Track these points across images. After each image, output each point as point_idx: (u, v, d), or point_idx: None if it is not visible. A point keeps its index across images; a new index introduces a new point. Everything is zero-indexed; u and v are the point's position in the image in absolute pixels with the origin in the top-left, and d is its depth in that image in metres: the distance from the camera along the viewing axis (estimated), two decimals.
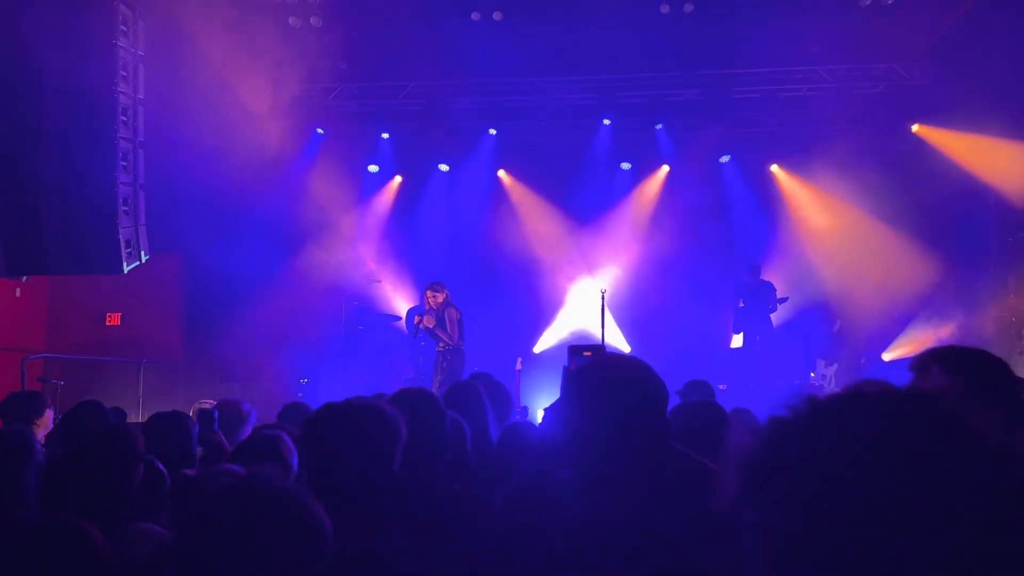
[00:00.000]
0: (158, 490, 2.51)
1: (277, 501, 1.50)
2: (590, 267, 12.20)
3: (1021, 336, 9.95)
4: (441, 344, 9.30)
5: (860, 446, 0.73)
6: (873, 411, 0.76)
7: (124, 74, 8.43)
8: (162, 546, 1.72)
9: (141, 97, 8.71)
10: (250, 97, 11.98)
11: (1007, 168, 9.84)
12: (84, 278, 9.98)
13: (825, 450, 0.74)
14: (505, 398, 4.00)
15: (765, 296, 10.96)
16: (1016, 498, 0.70)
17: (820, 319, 11.55)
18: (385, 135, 12.58)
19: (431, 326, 9.23)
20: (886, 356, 11.23)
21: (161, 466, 2.57)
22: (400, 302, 12.44)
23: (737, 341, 11.54)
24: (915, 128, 11.32)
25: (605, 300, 9.77)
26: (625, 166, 12.78)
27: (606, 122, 12.25)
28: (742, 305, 11.07)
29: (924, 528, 0.68)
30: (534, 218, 12.81)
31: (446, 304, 9.27)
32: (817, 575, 0.71)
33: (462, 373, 8.94)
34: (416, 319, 9.39)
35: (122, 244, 8.40)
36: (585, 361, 2.03)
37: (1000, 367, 2.15)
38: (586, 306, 12.07)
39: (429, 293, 9.35)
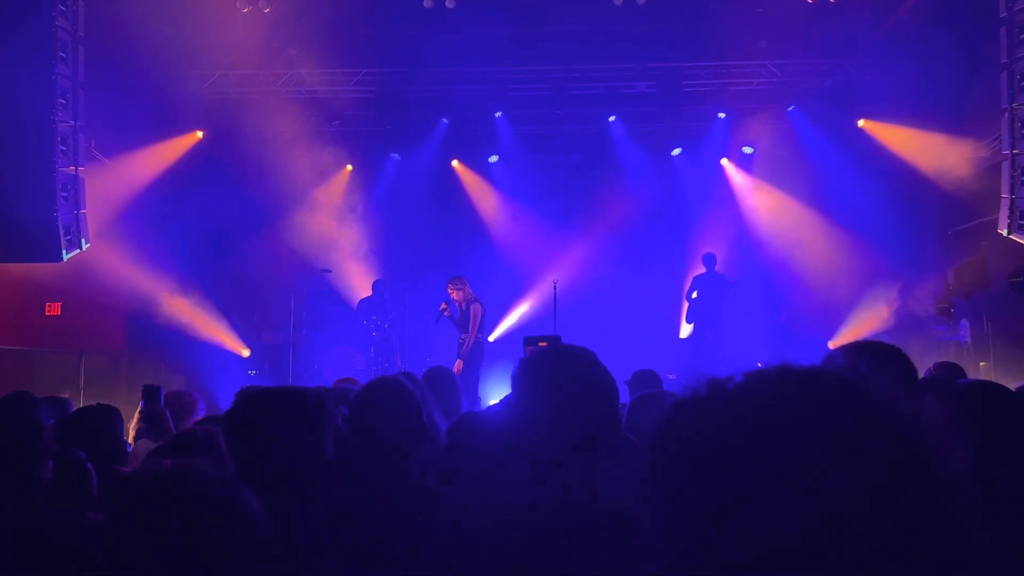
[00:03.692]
0: (85, 487, 2.45)
1: (205, 491, 1.48)
2: (542, 258, 12.23)
3: (958, 326, 10.25)
4: (462, 336, 9.56)
5: (754, 421, 0.72)
6: (768, 387, 0.75)
7: (63, 55, 8.17)
8: (90, 534, 1.68)
9: (81, 79, 8.45)
10: (195, 83, 11.74)
11: (947, 163, 10.10)
12: (22, 266, 9.65)
13: (719, 428, 0.73)
14: (454, 391, 3.99)
15: (718, 288, 11.10)
16: (911, 464, 0.70)
17: (767, 309, 11.75)
18: (336, 122, 12.42)
19: (448, 315, 9.70)
20: (832, 345, 11.48)
21: (89, 465, 2.50)
22: (350, 292, 12.32)
23: (686, 331, 11.69)
24: (861, 123, 11.56)
25: (557, 291, 9.82)
26: (578, 158, 12.82)
27: (558, 113, 12.28)
28: (695, 296, 11.20)
29: (811, 497, 0.68)
30: (487, 208, 12.79)
31: (470, 299, 9.51)
32: (710, 556, 0.71)
33: (480, 364, 9.40)
34: (442, 306, 9.70)
35: (61, 231, 8.16)
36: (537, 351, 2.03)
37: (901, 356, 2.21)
38: (538, 296, 12.12)
39: (449, 288, 9.64)
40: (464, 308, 9.53)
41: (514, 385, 1.95)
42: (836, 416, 0.72)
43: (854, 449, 0.69)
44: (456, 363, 9.41)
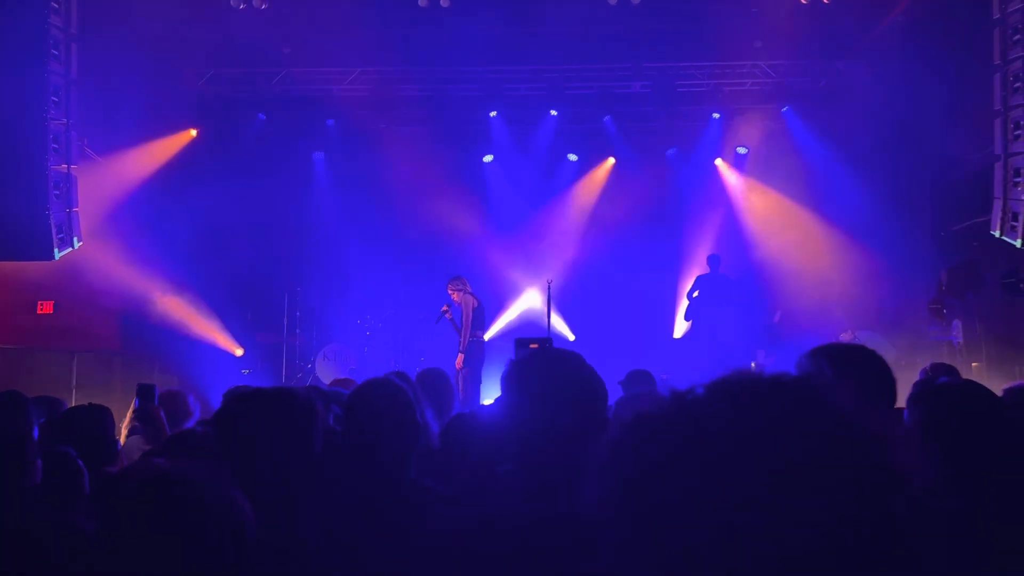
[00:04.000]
0: (77, 486, 2.43)
1: (195, 492, 1.47)
2: (536, 257, 12.23)
3: (951, 327, 10.28)
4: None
5: (713, 435, 0.71)
6: (726, 400, 0.74)
7: (56, 53, 8.13)
8: (80, 538, 1.67)
9: (74, 77, 8.41)
10: (189, 80, 11.70)
11: (940, 164, 10.14)
12: (14, 265, 9.61)
13: (679, 443, 0.73)
14: (447, 392, 3.98)
15: (721, 289, 11.13)
16: (872, 476, 0.69)
17: (761, 310, 11.77)
18: (331, 122, 12.38)
19: (449, 317, 9.66)
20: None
21: (80, 463, 2.49)
22: (343, 292, 12.29)
23: (680, 330, 11.71)
24: (851, 124, 11.56)
25: (551, 290, 9.82)
26: (572, 157, 12.82)
27: (553, 113, 12.27)
28: (696, 295, 11.24)
29: (774, 511, 0.67)
30: (482, 208, 12.77)
31: (465, 295, 9.53)
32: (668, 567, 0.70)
33: (480, 362, 9.37)
34: (444, 308, 9.69)
35: (53, 229, 8.13)
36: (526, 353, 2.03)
37: (880, 363, 2.18)
38: (532, 296, 12.11)
39: (449, 288, 9.67)
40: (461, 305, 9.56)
41: (503, 388, 1.96)
42: (792, 428, 0.71)
43: (809, 462, 0.69)
44: (458, 357, 9.38)
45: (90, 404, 3.46)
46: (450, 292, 9.62)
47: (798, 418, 0.71)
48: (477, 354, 9.48)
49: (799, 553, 0.66)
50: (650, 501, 0.72)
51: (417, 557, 1.88)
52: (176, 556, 1.40)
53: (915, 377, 3.83)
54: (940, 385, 2.10)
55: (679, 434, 0.73)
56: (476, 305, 9.57)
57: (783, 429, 0.70)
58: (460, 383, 9.30)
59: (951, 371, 4.04)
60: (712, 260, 11.32)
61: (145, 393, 4.14)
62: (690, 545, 0.69)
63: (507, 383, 1.94)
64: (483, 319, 9.80)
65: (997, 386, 2.83)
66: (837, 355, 2.13)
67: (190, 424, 4.50)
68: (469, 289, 9.64)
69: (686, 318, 11.53)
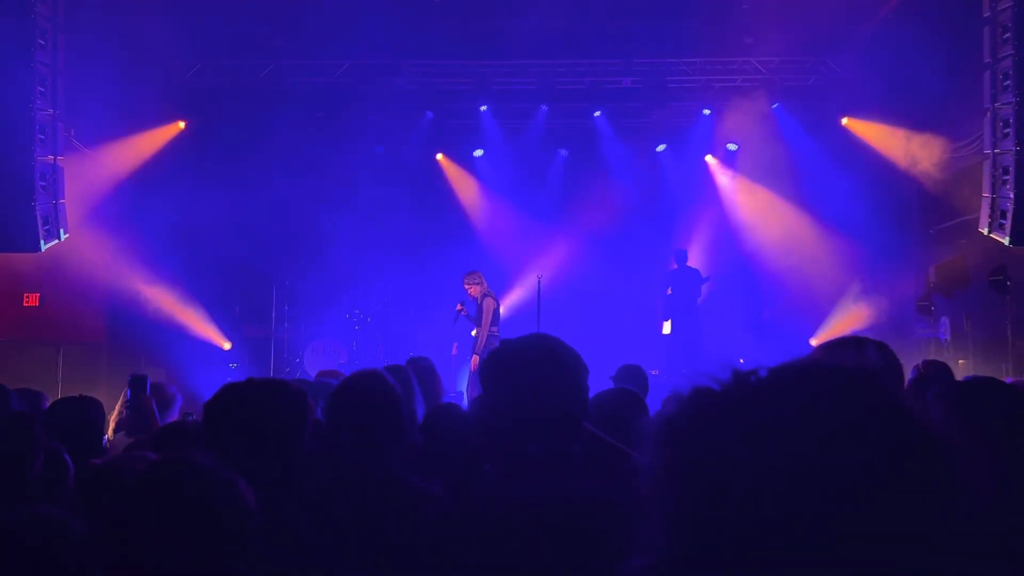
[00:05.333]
0: (61, 480, 2.41)
1: (199, 479, 1.45)
2: (526, 253, 12.21)
3: (939, 324, 10.33)
4: (475, 331, 9.51)
5: (795, 418, 0.72)
6: (806, 384, 0.75)
7: (42, 43, 8.04)
8: (68, 531, 1.64)
9: (60, 67, 8.32)
10: (178, 72, 11.61)
11: (929, 161, 10.18)
12: None
13: (743, 420, 0.73)
14: (434, 382, 3.96)
15: (691, 283, 11.19)
16: (939, 470, 0.71)
17: (749, 306, 11.81)
18: (320, 114, 12.31)
19: (464, 313, 9.61)
20: (813, 342, 11.55)
21: (66, 456, 2.46)
22: (332, 286, 12.24)
23: (667, 328, 11.75)
24: (844, 121, 11.61)
25: (541, 286, 9.81)
26: (562, 152, 12.81)
27: (544, 108, 12.25)
28: (670, 292, 11.28)
29: (853, 501, 0.68)
30: (471, 203, 12.74)
31: (484, 293, 9.46)
32: (731, 549, 0.70)
33: None
34: (458, 307, 9.61)
35: (39, 221, 8.05)
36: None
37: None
38: (523, 292, 12.10)
39: (465, 283, 9.61)
40: (480, 303, 9.49)
41: (481, 382, 1.94)
42: (859, 413, 0.72)
43: (873, 447, 0.70)
44: (472, 358, 9.32)
45: (81, 395, 3.42)
46: (466, 287, 9.55)
47: (863, 404, 0.73)
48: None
49: (872, 532, 0.68)
50: (712, 475, 0.72)
51: (398, 551, 1.87)
52: (183, 543, 1.38)
53: (906, 375, 3.84)
54: (966, 382, 2.13)
55: (744, 412, 0.74)
56: (496, 307, 9.50)
57: (851, 413, 0.72)
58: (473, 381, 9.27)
59: (946, 369, 4.05)
60: (678, 255, 11.36)
61: (137, 384, 4.09)
62: (756, 518, 0.69)
63: (484, 375, 1.93)
64: (499, 316, 9.72)
65: None
66: (863, 346, 2.14)
67: (174, 412, 4.48)
68: (486, 285, 9.56)
69: (664, 317, 11.56)
